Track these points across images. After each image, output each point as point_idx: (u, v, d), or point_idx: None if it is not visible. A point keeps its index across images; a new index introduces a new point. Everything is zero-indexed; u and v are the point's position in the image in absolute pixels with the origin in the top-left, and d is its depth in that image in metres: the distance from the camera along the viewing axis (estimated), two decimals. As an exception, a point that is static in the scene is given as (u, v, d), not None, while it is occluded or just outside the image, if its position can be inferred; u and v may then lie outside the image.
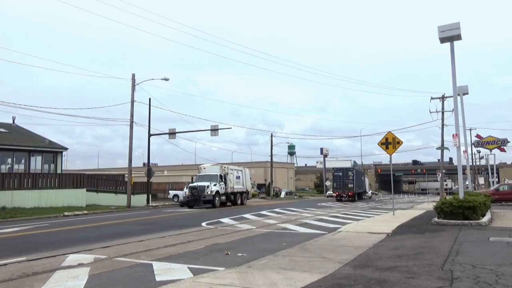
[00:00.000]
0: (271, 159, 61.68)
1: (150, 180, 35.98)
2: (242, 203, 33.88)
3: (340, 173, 45.23)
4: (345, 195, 44.11)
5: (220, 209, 27.37)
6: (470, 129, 49.52)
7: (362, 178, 53.87)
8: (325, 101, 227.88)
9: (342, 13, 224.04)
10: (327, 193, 65.43)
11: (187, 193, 29.94)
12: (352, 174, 44.72)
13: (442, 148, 38.09)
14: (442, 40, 14.48)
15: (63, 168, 35.92)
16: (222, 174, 31.61)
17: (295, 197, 64.98)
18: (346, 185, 44.29)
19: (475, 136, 47.66)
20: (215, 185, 29.90)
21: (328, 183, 78.45)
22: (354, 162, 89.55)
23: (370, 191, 65.62)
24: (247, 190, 36.27)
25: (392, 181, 22.41)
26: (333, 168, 49.96)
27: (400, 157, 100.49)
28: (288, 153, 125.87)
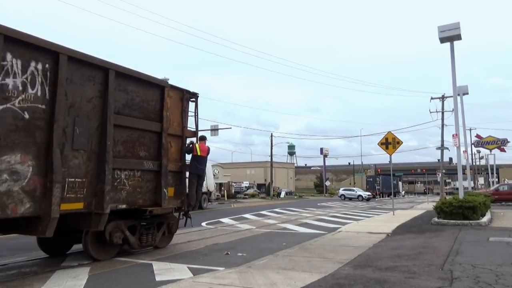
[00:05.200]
0: (271, 159, 61.65)
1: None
2: (200, 207, 25.01)
3: (371, 179, 64.10)
4: (374, 193, 58.93)
5: (218, 210, 27.20)
6: (470, 129, 49.57)
7: (394, 182, 65.60)
8: (319, 101, 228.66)
9: (339, 15, 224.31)
10: (340, 192, 55.08)
11: None
12: (379, 180, 61.87)
13: (442, 148, 38.12)
14: (442, 40, 14.49)
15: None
16: None
17: (295, 197, 64.98)
18: (374, 187, 60.92)
19: (475, 136, 47.66)
20: None
21: (328, 183, 78.57)
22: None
23: (404, 191, 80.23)
24: (208, 190, 27.60)
25: (392, 181, 22.53)
26: (366, 175, 74.30)
27: (396, 158, 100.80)
28: (288, 153, 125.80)
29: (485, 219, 12.90)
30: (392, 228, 12.41)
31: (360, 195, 49.67)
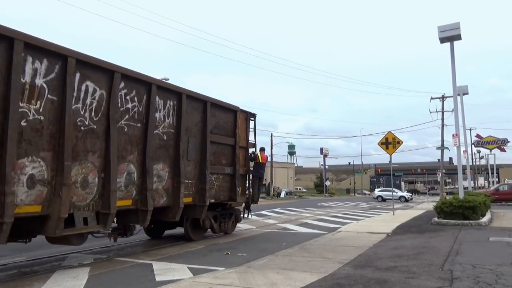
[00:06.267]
0: (271, 159, 61.64)
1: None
2: None
3: (375, 179, 67.16)
4: None
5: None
6: (470, 129, 49.56)
7: (397, 182, 67.33)
8: (317, 101, 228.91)
9: (338, 15, 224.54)
10: (376, 194, 48.77)
11: None
12: (382, 180, 63.76)
13: (442, 148, 38.13)
14: (442, 40, 14.48)
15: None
16: None
17: (295, 197, 64.92)
18: (378, 187, 60.03)
19: (475, 136, 47.70)
20: None
21: (328, 183, 78.60)
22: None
23: (406, 191, 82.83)
24: None
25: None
26: (369, 176, 77.95)
27: (396, 158, 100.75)
28: (288, 153, 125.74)
29: (485, 219, 12.90)
30: (392, 228, 12.41)
31: (402, 196, 44.27)
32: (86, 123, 6.89)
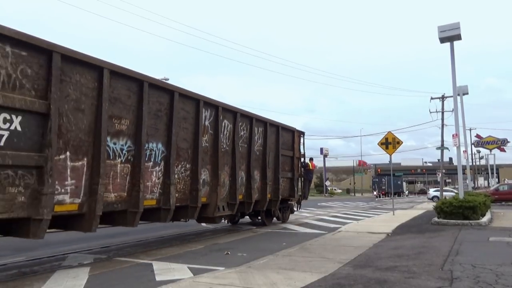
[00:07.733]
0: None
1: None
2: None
3: (377, 179, 67.12)
4: (380, 193, 62.89)
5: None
6: (470, 129, 49.54)
7: (399, 182, 70.83)
8: (315, 101, 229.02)
9: (337, 15, 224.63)
10: (432, 194, 43.74)
11: None
12: (384, 180, 63.81)
13: (442, 148, 38.05)
14: (442, 40, 14.48)
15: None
16: None
17: (295, 197, 64.72)
18: (380, 187, 63.82)
19: (475, 136, 47.74)
20: None
21: (328, 183, 78.64)
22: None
23: (407, 191, 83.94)
24: None
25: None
26: (372, 176, 79.15)
27: (396, 158, 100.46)
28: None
29: (485, 219, 12.90)
30: (392, 228, 12.41)
31: None
32: (224, 146, 10.68)
